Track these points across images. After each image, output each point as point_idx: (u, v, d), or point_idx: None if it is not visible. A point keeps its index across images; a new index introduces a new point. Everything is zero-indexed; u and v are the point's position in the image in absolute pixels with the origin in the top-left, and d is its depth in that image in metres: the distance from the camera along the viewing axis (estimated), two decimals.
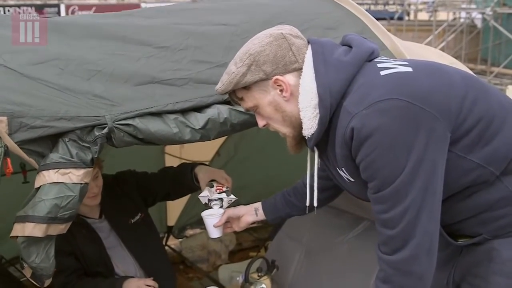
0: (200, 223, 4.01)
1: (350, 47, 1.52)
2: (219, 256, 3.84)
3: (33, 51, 1.85)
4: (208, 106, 1.82)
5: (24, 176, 2.47)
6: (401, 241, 1.42)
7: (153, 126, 1.73)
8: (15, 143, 1.62)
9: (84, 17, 2.18)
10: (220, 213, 2.15)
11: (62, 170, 1.66)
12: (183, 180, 2.51)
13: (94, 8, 30.12)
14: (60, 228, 1.71)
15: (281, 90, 1.52)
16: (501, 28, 14.94)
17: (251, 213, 2.09)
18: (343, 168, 1.53)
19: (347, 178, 1.56)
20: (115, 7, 30.54)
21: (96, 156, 1.72)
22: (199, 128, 1.77)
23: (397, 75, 1.41)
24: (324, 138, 1.54)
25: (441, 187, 1.40)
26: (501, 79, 14.94)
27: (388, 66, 1.45)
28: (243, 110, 1.75)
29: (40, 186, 1.67)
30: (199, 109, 1.81)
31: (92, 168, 1.74)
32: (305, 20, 2.16)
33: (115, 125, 1.70)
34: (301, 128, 1.55)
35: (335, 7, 2.30)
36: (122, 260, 2.56)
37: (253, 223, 2.14)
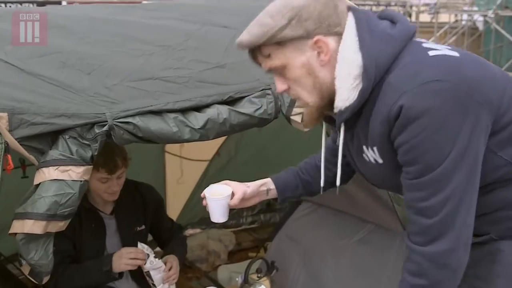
0: (200, 223, 4.01)
1: (392, 22, 1.42)
2: (218, 256, 3.83)
3: (35, 47, 1.85)
4: (208, 106, 1.82)
5: (23, 171, 2.46)
6: (438, 232, 1.34)
7: (153, 124, 1.73)
8: (15, 139, 1.63)
9: (86, 9, 2.17)
10: (227, 193, 1.78)
11: (62, 167, 1.66)
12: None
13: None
14: (59, 225, 1.71)
15: (319, 53, 1.37)
16: (503, 31, 14.94)
17: (262, 194, 1.82)
18: (374, 148, 1.41)
19: (374, 159, 1.44)
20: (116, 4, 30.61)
21: (96, 154, 1.72)
22: (199, 128, 1.77)
23: (446, 58, 1.33)
24: (355, 113, 1.41)
25: (479, 179, 1.33)
26: None
27: (434, 48, 1.36)
28: (244, 111, 1.75)
29: (40, 183, 1.68)
30: (199, 108, 1.81)
31: (91, 165, 1.74)
32: None
33: (115, 122, 1.70)
34: (328, 98, 1.41)
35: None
36: None
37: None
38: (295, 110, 1.94)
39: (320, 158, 1.70)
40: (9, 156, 1.62)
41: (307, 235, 3.04)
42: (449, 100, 1.25)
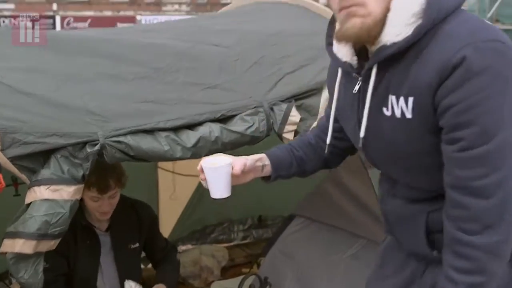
0: (192, 238, 4.00)
1: None
2: (211, 272, 3.81)
3: (28, 67, 1.86)
4: (200, 124, 1.83)
5: (15, 189, 2.46)
6: (496, 217, 1.18)
7: (145, 143, 1.74)
8: (7, 158, 1.63)
9: (81, 33, 2.20)
10: (228, 161, 1.54)
11: (53, 187, 1.66)
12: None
13: (89, 20, 30.23)
14: (49, 245, 1.70)
15: None
16: None
17: (258, 170, 1.61)
18: (409, 98, 1.24)
19: (401, 113, 1.26)
20: (110, 18, 30.66)
21: (87, 173, 1.72)
22: (190, 146, 1.78)
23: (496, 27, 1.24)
24: (397, 54, 1.26)
25: None
26: None
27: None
28: (235, 129, 1.76)
29: (31, 202, 1.67)
30: (191, 126, 1.82)
31: (82, 185, 1.74)
32: (299, 41, 2.18)
33: (107, 141, 1.71)
34: (382, 23, 1.24)
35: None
36: (109, 280, 2.57)
37: None
38: (287, 127, 1.95)
39: (312, 137, 1.65)
40: (0, 175, 1.62)
41: (300, 251, 3.03)
42: (511, 64, 1.17)
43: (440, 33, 1.20)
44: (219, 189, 1.53)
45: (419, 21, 1.21)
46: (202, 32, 2.24)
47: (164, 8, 32.00)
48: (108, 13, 30.82)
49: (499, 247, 1.20)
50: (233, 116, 1.88)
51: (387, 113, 1.28)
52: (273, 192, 3.61)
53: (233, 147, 1.87)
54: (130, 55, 1.99)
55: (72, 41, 2.02)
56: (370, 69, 1.29)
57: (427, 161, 1.29)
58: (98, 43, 2.03)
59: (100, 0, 30.36)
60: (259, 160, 1.59)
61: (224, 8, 3.08)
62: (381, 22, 1.24)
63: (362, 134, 1.36)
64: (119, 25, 30.68)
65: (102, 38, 2.07)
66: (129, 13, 31.18)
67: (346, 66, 1.37)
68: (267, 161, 1.60)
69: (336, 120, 1.54)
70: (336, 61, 1.39)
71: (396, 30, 1.23)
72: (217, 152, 1.86)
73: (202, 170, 1.52)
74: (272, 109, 1.95)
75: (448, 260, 1.24)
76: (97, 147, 1.70)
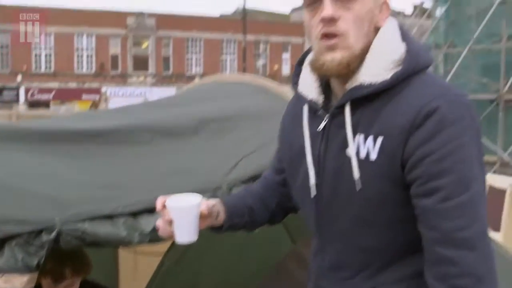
0: None
1: None
2: None
3: None
4: None
5: None
6: (486, 267, 1.18)
7: (102, 229, 1.72)
8: None
9: (44, 121, 2.24)
10: (197, 200, 1.42)
11: (5, 278, 1.62)
12: None
13: (54, 92, 30.26)
14: None
15: (381, 13, 1.33)
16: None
17: (213, 216, 1.50)
18: (379, 137, 1.25)
19: (366, 153, 1.26)
20: (75, 90, 30.78)
21: (42, 261, 1.69)
22: (149, 231, 1.77)
23: None
24: (370, 95, 1.28)
25: None
26: None
27: None
28: None
29: None
30: (150, 211, 1.81)
31: (37, 272, 1.71)
32: (259, 124, 2.26)
33: (63, 228, 1.68)
34: (360, 59, 1.29)
35: (284, 106, 2.40)
36: None
37: None
38: None
39: (260, 188, 1.62)
40: None
41: None
42: (475, 120, 1.24)
43: (415, 82, 1.26)
44: (189, 232, 1.40)
45: (398, 68, 1.27)
46: (161, 118, 2.29)
47: (129, 80, 32.34)
48: (73, 84, 30.96)
49: None
50: None
51: (349, 154, 1.28)
52: (240, 269, 3.58)
53: None
54: (90, 143, 2.01)
55: (35, 130, 2.04)
56: (341, 107, 1.31)
57: (384, 211, 1.28)
58: (62, 131, 2.06)
59: (65, 71, 30.55)
60: (215, 205, 1.51)
61: (186, 87, 3.15)
62: (359, 60, 1.29)
63: (312, 181, 1.36)
64: (84, 96, 30.82)
65: (65, 127, 2.11)
66: (95, 85, 31.39)
67: (312, 104, 1.38)
68: (221, 208, 1.52)
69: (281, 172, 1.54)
70: (301, 100, 1.42)
71: (374, 72, 1.27)
72: None
73: (165, 209, 1.40)
74: (231, 189, 1.97)
75: None
76: (53, 234, 1.67)
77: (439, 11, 17.97)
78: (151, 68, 33.00)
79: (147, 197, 1.84)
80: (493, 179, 6.43)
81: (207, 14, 41.54)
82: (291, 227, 3.44)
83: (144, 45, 33.08)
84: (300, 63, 1.46)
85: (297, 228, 2.93)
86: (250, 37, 32.52)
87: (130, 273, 3.64)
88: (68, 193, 1.79)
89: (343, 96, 1.31)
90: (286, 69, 35.90)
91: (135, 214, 1.79)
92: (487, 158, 14.80)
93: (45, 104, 30.27)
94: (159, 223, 1.45)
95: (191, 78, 32.74)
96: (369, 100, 1.28)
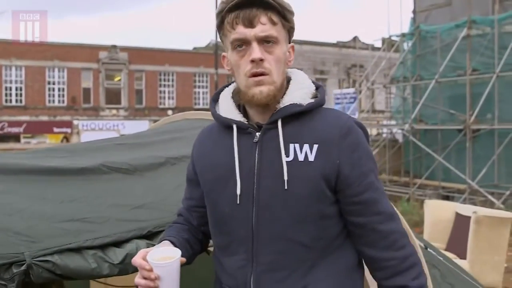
0: None
1: None
2: None
3: None
4: (127, 241, 1.89)
5: None
6: (402, 228, 1.63)
7: (72, 262, 1.78)
8: None
9: (13, 157, 2.29)
10: (177, 254, 1.47)
11: None
12: None
13: (24, 125, 29.96)
14: None
15: (290, 55, 1.65)
16: (419, 143, 15.92)
17: None
18: (314, 145, 1.53)
19: (304, 157, 1.53)
20: (46, 123, 30.50)
21: None
22: (118, 263, 1.83)
23: None
24: (297, 114, 1.58)
25: None
26: (424, 190, 15.71)
27: None
28: None
29: None
30: (117, 244, 1.87)
31: None
32: None
33: (33, 261, 1.73)
34: (280, 92, 1.59)
35: None
36: None
37: None
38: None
39: (184, 220, 1.77)
40: None
41: None
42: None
43: (326, 109, 1.62)
44: (175, 285, 1.44)
45: (315, 98, 1.62)
46: (128, 156, 2.36)
47: (101, 113, 32.21)
48: (44, 118, 30.68)
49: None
50: (159, 232, 1.96)
51: (288, 159, 1.53)
52: None
53: None
54: (60, 182, 2.08)
55: (7, 164, 2.10)
56: (273, 123, 1.57)
57: (318, 207, 1.53)
58: (32, 167, 2.12)
59: (36, 104, 30.32)
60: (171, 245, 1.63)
61: (157, 123, 3.23)
62: (280, 91, 1.58)
63: (238, 191, 1.56)
64: (56, 130, 30.55)
65: (35, 164, 2.16)
66: (66, 118, 31.17)
67: (240, 124, 1.61)
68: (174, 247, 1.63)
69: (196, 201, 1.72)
70: (229, 121, 1.62)
71: (300, 97, 1.59)
72: None
73: (149, 268, 1.47)
74: None
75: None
76: (23, 267, 1.72)
77: (406, 45, 18.47)
78: (124, 101, 32.92)
79: (115, 230, 1.90)
80: (459, 208, 6.60)
81: (179, 47, 41.67)
82: None
83: (117, 79, 33.09)
84: (215, 99, 1.72)
85: None
86: (223, 71, 32.79)
87: None
88: (37, 228, 1.84)
89: (274, 114, 1.58)
90: None
91: (103, 247, 1.85)
92: (457, 186, 15.11)
93: (16, 138, 29.89)
94: (140, 280, 1.50)
95: (164, 110, 32.78)
96: (295, 118, 1.58)
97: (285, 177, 1.52)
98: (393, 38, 19.57)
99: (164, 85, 34.03)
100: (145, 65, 32.95)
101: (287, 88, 1.62)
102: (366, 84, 21.68)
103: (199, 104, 34.82)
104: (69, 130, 31.22)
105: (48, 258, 1.75)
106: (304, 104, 1.58)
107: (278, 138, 1.55)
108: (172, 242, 1.65)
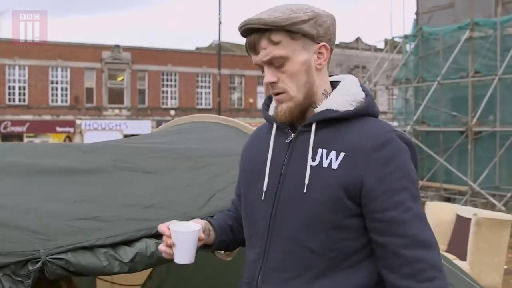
0: None
1: None
2: None
3: None
4: (136, 240, 1.96)
5: None
6: (440, 261, 1.50)
7: (84, 259, 1.85)
8: None
9: (27, 155, 2.36)
10: (198, 227, 1.63)
11: None
12: None
13: (28, 124, 30.07)
14: None
15: (318, 57, 1.59)
16: (421, 145, 15.97)
17: (206, 235, 1.74)
18: (341, 153, 1.51)
19: (328, 163, 1.52)
20: (49, 123, 30.61)
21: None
22: (128, 261, 1.90)
23: None
24: (332, 119, 1.57)
25: None
26: (426, 192, 15.76)
27: None
28: None
29: None
30: (128, 242, 1.94)
31: None
32: (228, 162, 2.43)
33: (48, 259, 1.80)
34: (309, 100, 1.58)
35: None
36: None
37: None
38: None
39: (233, 214, 1.85)
40: None
41: None
42: (415, 153, 1.58)
43: (370, 119, 1.58)
44: (188, 255, 1.59)
45: (359, 105, 1.59)
46: (138, 157, 2.43)
47: (104, 113, 32.31)
48: (47, 117, 30.80)
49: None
50: None
51: (313, 163, 1.54)
52: None
53: (168, 261, 2.00)
54: (71, 180, 2.15)
55: (19, 165, 2.16)
56: (308, 125, 1.59)
57: (332, 216, 1.50)
58: (44, 167, 2.19)
59: (39, 104, 30.42)
60: (206, 223, 1.76)
61: (164, 126, 3.30)
62: (304, 105, 1.58)
63: (265, 186, 1.61)
64: (59, 129, 30.66)
65: (48, 163, 2.23)
66: (69, 117, 31.29)
67: (281, 123, 1.64)
68: (211, 226, 1.77)
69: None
70: (272, 120, 1.68)
71: (340, 103, 1.58)
72: (153, 266, 2.01)
73: (168, 234, 1.61)
74: None
75: None
76: (39, 265, 1.79)
77: (409, 47, 18.51)
78: (127, 101, 33.02)
79: (125, 229, 1.98)
80: (460, 209, 6.66)
81: (182, 48, 41.72)
82: None
83: (120, 78, 33.18)
84: (270, 96, 1.74)
85: None
86: (225, 71, 32.90)
87: None
88: (52, 226, 1.91)
89: (311, 117, 1.59)
90: (261, 102, 36.28)
91: (114, 245, 1.93)
92: (459, 188, 15.16)
93: (19, 137, 29.99)
94: (162, 247, 1.66)
95: (166, 110, 32.87)
96: (331, 124, 1.57)
97: (306, 181, 1.53)
98: (396, 39, 19.63)
99: (167, 85, 34.12)
100: (148, 65, 33.05)
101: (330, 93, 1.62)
102: (368, 85, 21.73)
103: (201, 104, 34.89)
104: (72, 130, 31.33)
105: (62, 256, 1.82)
106: (342, 111, 1.57)
107: (309, 141, 1.57)
108: (211, 223, 1.76)
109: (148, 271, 3.85)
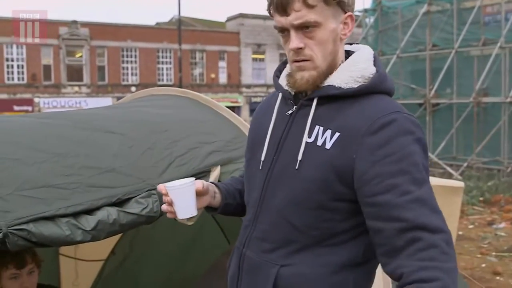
0: None
1: None
2: None
3: None
4: (98, 208, 1.97)
5: None
6: (448, 248, 1.35)
7: (46, 229, 1.85)
8: None
9: None
10: (190, 180, 1.65)
11: None
12: None
13: None
14: None
15: (344, 28, 1.53)
16: None
17: (211, 196, 1.75)
18: (336, 133, 1.47)
19: (322, 142, 1.48)
20: (6, 101, 29.83)
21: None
22: (90, 230, 1.91)
23: None
24: (334, 97, 1.51)
25: None
26: None
27: None
28: (131, 211, 1.93)
29: None
30: (89, 211, 1.96)
31: None
32: (188, 127, 2.43)
33: (9, 230, 1.80)
34: (331, 71, 1.53)
35: (214, 115, 2.60)
36: None
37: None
38: None
39: (243, 180, 1.79)
40: None
41: None
42: (424, 136, 1.48)
43: (376, 98, 1.50)
44: (187, 208, 1.62)
45: (365, 82, 1.52)
46: (99, 120, 2.42)
47: (63, 90, 31.64)
48: (3, 96, 29.99)
49: (455, 270, 1.33)
50: (129, 199, 2.04)
51: (309, 139, 1.51)
52: (183, 273, 3.69)
53: (131, 227, 2.03)
54: (30, 143, 2.11)
55: None
56: (310, 100, 1.55)
57: (319, 196, 1.47)
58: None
59: None
60: (210, 185, 1.76)
61: (122, 100, 3.29)
62: (326, 74, 1.52)
63: (263, 156, 1.61)
64: (16, 108, 29.90)
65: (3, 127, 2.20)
66: (27, 95, 30.54)
67: (286, 93, 1.62)
68: (217, 189, 1.78)
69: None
70: (279, 88, 1.65)
71: (344, 79, 1.51)
72: (116, 233, 2.03)
73: (165, 192, 1.63)
74: None
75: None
76: (0, 236, 1.79)
77: (368, 21, 18.68)
78: (86, 78, 32.39)
79: (86, 198, 1.98)
80: None
81: (142, 23, 40.97)
82: (227, 230, 3.64)
83: (78, 55, 32.47)
84: (284, 62, 1.69)
85: (232, 231, 3.13)
86: (186, 46, 32.54)
87: (71, 279, 3.71)
88: (11, 198, 1.90)
89: (313, 92, 1.54)
90: (223, 78, 36.14)
91: (75, 214, 1.94)
92: None
93: None
94: (164, 206, 1.68)
95: (127, 87, 32.39)
96: (333, 101, 1.52)
97: (299, 157, 1.50)
98: (356, 13, 19.76)
99: (127, 62, 33.59)
100: (107, 41, 32.40)
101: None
102: None
103: (163, 80, 34.51)
104: (30, 108, 30.60)
105: (24, 226, 1.82)
106: (344, 88, 1.51)
107: (308, 116, 1.53)
108: (217, 186, 1.78)
109: (111, 246, 3.86)
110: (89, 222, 1.92)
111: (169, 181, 1.72)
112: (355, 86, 1.51)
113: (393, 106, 1.48)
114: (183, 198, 1.63)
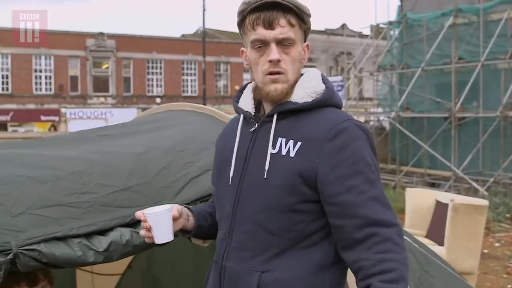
0: None
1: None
2: None
3: None
4: (111, 229, 1.95)
5: None
6: (400, 240, 1.57)
7: (58, 250, 1.84)
8: None
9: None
10: (168, 206, 1.75)
11: None
12: None
13: (11, 113, 29.73)
14: None
15: (304, 53, 1.75)
16: (405, 131, 16.06)
17: (185, 219, 1.84)
18: (298, 142, 1.63)
19: (286, 151, 1.64)
20: (34, 111, 30.30)
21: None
22: (102, 251, 1.89)
23: None
24: (292, 111, 1.69)
25: None
26: (410, 178, 15.88)
27: None
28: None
29: None
30: (102, 232, 1.94)
31: None
32: (205, 147, 2.42)
33: (20, 250, 1.79)
34: (293, 88, 1.71)
35: None
36: None
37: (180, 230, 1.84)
38: None
39: (208, 208, 1.93)
40: None
41: None
42: (372, 141, 1.70)
43: (329, 110, 1.70)
44: (164, 233, 1.71)
45: (318, 97, 1.71)
46: (115, 138, 2.41)
47: (89, 101, 32.02)
48: (31, 106, 30.45)
49: (407, 258, 1.58)
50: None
51: (273, 151, 1.67)
52: None
53: (144, 249, 2.00)
54: (46, 164, 2.13)
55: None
56: (270, 116, 1.72)
57: (289, 200, 1.62)
58: (16, 155, 2.16)
59: (23, 92, 30.04)
60: (185, 209, 1.85)
61: (141, 114, 3.29)
62: (292, 88, 1.71)
63: (232, 173, 1.73)
64: (43, 118, 30.35)
65: (19, 152, 2.20)
66: (54, 106, 30.97)
67: (247, 113, 1.79)
68: (190, 212, 1.87)
69: None
70: (240, 111, 1.82)
71: (301, 96, 1.70)
72: (129, 254, 2.01)
73: (144, 219, 1.72)
74: None
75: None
76: (10, 256, 1.77)
77: (393, 33, 18.54)
78: (112, 89, 32.75)
79: (99, 218, 1.97)
80: (439, 195, 6.73)
81: (167, 35, 41.35)
82: None
83: (104, 66, 32.89)
84: (242, 89, 1.89)
85: None
86: (211, 58, 32.71)
87: None
88: (23, 217, 1.89)
89: (273, 108, 1.72)
90: None
91: (88, 235, 1.92)
92: (443, 173, 15.29)
93: (3, 126, 29.67)
94: (142, 231, 1.76)
95: (152, 98, 32.66)
96: (291, 114, 1.70)
97: (266, 167, 1.66)
98: (381, 26, 19.65)
99: (152, 73, 33.88)
100: (133, 52, 32.75)
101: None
102: (354, 71, 21.75)
103: (187, 91, 34.73)
104: (56, 118, 31.03)
105: (34, 247, 1.80)
106: (300, 103, 1.69)
107: (270, 130, 1.69)
108: (190, 210, 1.87)
109: (128, 260, 3.85)
110: (101, 243, 1.90)
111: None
112: (309, 101, 1.69)
113: (344, 116, 1.68)
114: (161, 224, 1.71)
